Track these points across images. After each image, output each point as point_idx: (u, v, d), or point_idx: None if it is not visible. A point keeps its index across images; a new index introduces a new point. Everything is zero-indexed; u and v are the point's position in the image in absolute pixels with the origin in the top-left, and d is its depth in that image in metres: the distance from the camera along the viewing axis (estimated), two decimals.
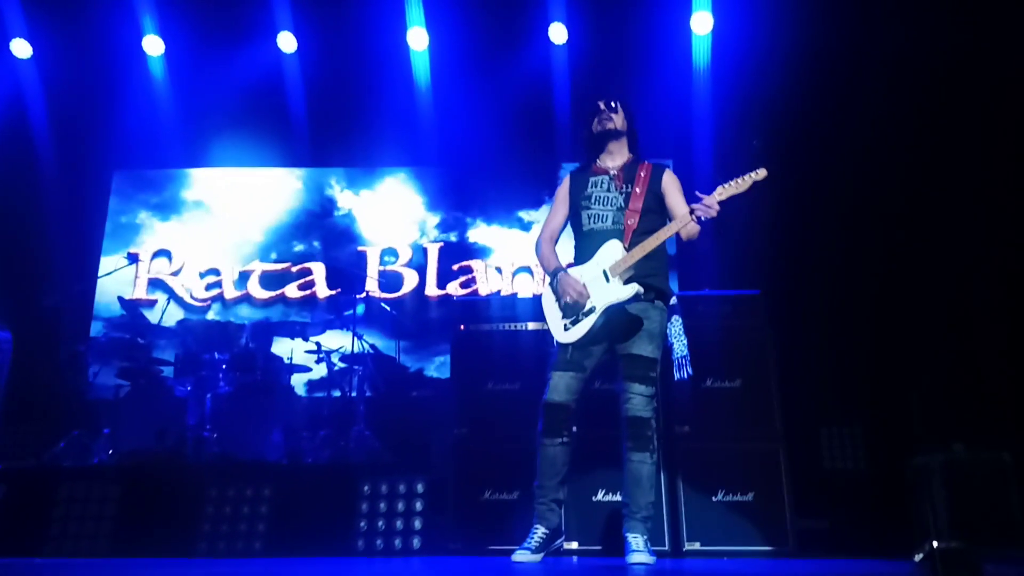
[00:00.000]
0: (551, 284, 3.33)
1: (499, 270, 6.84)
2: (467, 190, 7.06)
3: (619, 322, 3.23)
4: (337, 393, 5.81)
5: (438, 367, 6.55)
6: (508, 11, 6.53)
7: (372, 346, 6.05)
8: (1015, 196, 5.29)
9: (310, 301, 6.81)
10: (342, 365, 5.79)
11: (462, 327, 4.62)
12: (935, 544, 3.26)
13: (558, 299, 3.31)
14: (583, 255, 3.34)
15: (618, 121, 3.48)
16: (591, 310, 3.21)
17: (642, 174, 3.45)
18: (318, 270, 6.86)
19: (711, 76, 6.44)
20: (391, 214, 7.04)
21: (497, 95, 6.66)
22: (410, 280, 6.84)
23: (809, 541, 3.97)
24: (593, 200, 3.41)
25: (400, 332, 6.49)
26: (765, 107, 6.07)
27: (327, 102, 6.84)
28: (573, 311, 3.24)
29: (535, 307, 4.76)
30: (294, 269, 6.89)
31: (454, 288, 6.80)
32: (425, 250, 6.93)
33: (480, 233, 6.97)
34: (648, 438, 3.17)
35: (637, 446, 3.16)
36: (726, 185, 3.19)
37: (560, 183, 3.58)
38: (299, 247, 7.01)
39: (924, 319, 5.43)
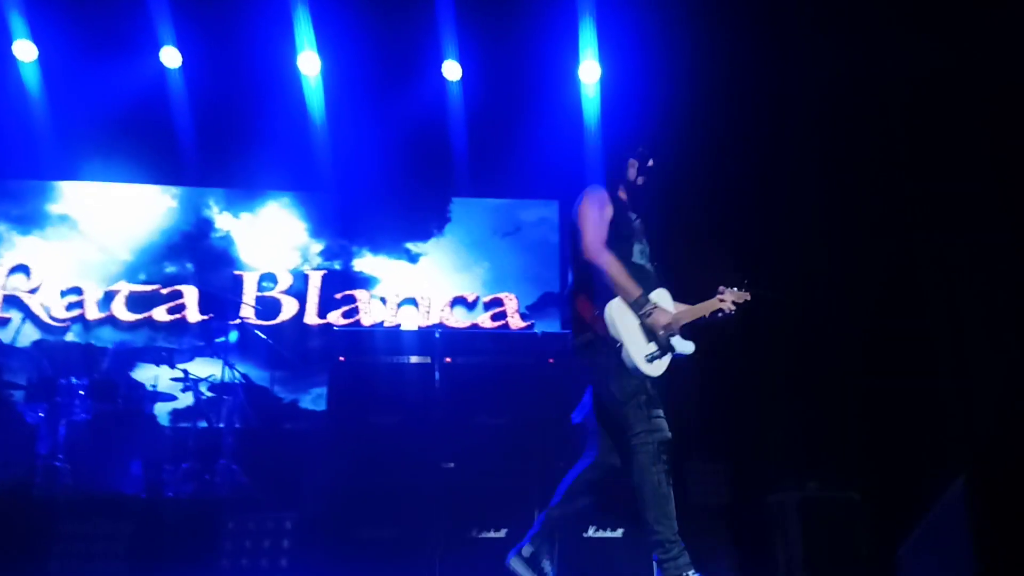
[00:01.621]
0: (639, 310, 3.03)
1: (384, 301, 6.77)
2: (354, 218, 6.97)
3: None
4: (204, 424, 5.56)
5: (314, 399, 6.38)
6: (402, 44, 6.56)
7: (244, 375, 5.84)
8: (877, 244, 5.71)
9: (179, 326, 6.49)
10: (210, 395, 5.55)
11: (341, 358, 4.55)
12: None
13: (645, 327, 3.05)
14: None
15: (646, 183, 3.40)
16: (667, 351, 3.09)
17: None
18: (190, 293, 6.57)
19: (599, 122, 6.67)
20: (272, 239, 6.85)
21: (390, 125, 6.64)
22: (289, 308, 6.66)
23: None
24: (639, 236, 3.29)
25: (275, 362, 6.29)
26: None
27: (210, 120, 6.59)
28: (655, 341, 3.05)
29: (420, 340, 4.77)
30: (164, 291, 6.56)
31: (335, 318, 6.67)
32: (307, 277, 6.78)
33: (366, 263, 6.89)
34: None
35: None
36: (733, 292, 3.26)
37: (587, 194, 3.25)
38: (170, 268, 6.69)
39: (785, 362, 5.75)
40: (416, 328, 6.54)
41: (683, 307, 3.25)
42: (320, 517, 4.17)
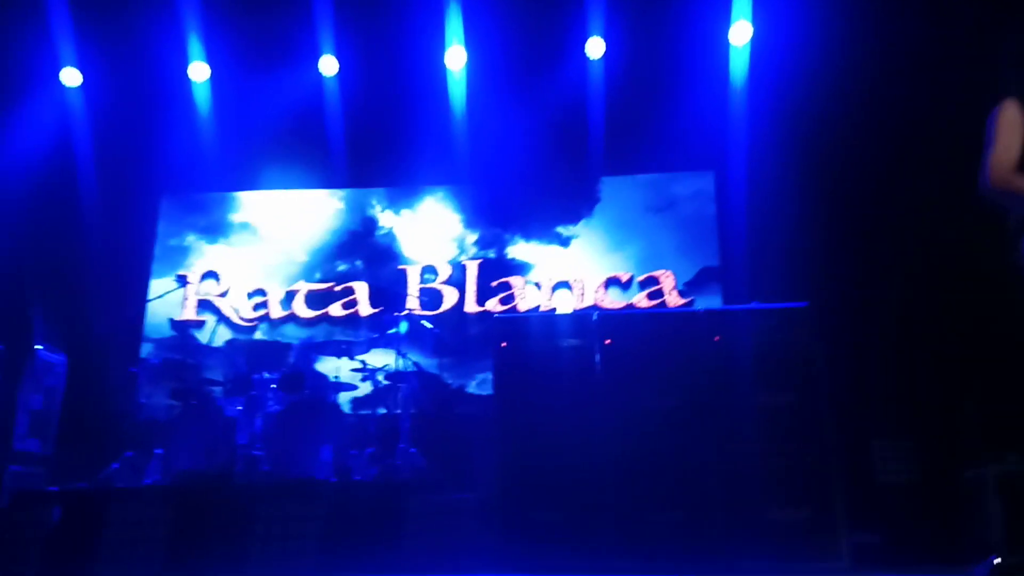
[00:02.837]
0: None
1: (538, 286, 6.85)
2: (505, 206, 7.09)
3: None
4: (383, 410, 5.86)
5: (479, 384, 6.57)
6: (545, 26, 6.56)
7: (415, 364, 6.10)
8: None
9: (354, 320, 6.89)
10: (387, 383, 5.84)
11: (503, 344, 4.63)
12: (996, 560, 3.19)
13: None
14: None
15: None
16: None
17: None
18: (361, 289, 6.95)
19: (748, 87, 6.40)
20: (430, 232, 7.11)
21: (534, 110, 6.69)
22: (450, 297, 6.89)
23: (863, 556, 3.90)
24: None
25: (441, 350, 6.51)
26: (805, 117, 6.01)
27: (367, 123, 6.93)
28: None
29: (576, 323, 4.77)
30: (337, 288, 6.98)
31: (493, 305, 6.82)
32: (464, 267, 6.97)
33: (519, 249, 6.99)
34: None
35: None
36: None
37: (1001, 111, 2.78)
38: (342, 267, 7.10)
39: (976, 329, 5.31)
40: (571, 311, 6.57)
41: None
42: (493, 499, 4.27)
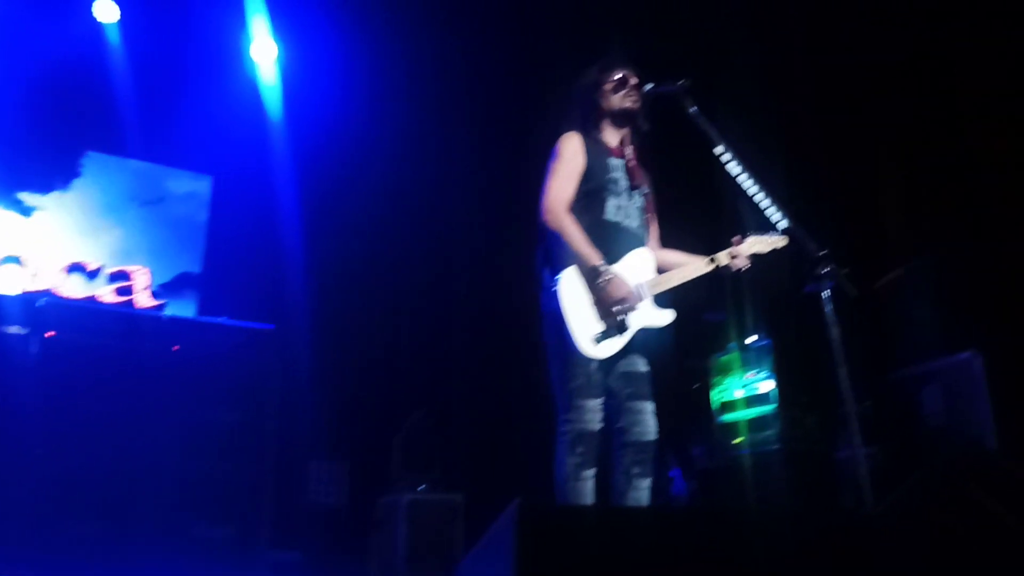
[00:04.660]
0: (593, 281, 2.63)
1: None
2: None
3: (636, 343, 2.73)
4: None
5: None
6: None
7: None
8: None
9: None
10: None
11: None
12: None
13: (598, 302, 2.64)
14: (603, 251, 2.69)
15: (639, 102, 2.86)
16: (624, 327, 2.66)
17: (640, 174, 2.90)
18: None
19: (266, 105, 6.46)
20: None
21: (25, 51, 5.73)
22: None
23: (282, 573, 4.08)
24: (620, 188, 2.81)
25: None
26: (320, 147, 6.28)
27: None
28: (608, 319, 2.64)
29: (20, 306, 4.14)
30: None
31: None
32: None
33: None
34: (653, 461, 2.73)
35: (646, 471, 2.69)
36: (755, 239, 2.83)
37: (562, 144, 2.81)
38: None
39: (419, 367, 6.08)
40: (19, 293, 5.67)
41: (682, 267, 2.84)
42: None
